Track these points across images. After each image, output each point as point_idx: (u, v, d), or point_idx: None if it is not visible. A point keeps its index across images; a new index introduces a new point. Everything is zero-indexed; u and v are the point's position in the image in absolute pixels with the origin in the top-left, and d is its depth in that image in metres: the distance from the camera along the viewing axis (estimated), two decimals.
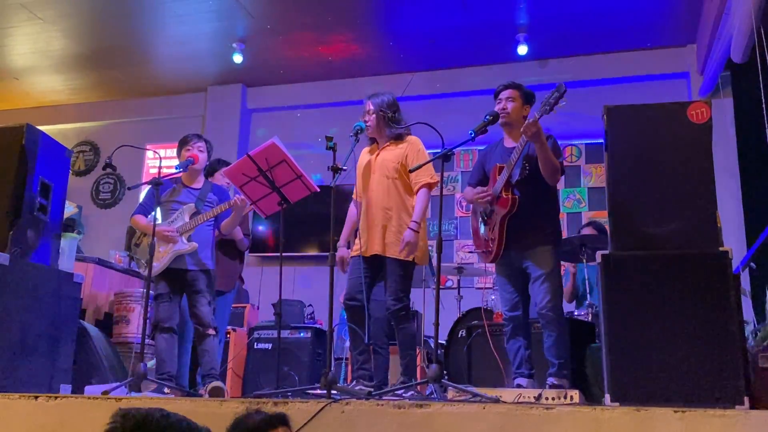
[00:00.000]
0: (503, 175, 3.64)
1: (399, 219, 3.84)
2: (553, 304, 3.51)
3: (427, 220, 7.66)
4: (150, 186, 4.23)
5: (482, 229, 3.82)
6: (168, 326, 4.24)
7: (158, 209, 4.40)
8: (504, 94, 3.79)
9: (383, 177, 3.91)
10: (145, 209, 4.45)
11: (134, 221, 4.45)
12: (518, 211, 3.60)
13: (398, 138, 3.98)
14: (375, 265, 3.87)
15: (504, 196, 3.63)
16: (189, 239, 4.28)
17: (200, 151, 4.45)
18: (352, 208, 4.10)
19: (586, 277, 5.00)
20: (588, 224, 5.66)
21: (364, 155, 4.09)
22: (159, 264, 4.23)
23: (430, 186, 3.86)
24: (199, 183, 4.49)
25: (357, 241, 3.92)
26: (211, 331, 4.23)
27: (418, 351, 5.30)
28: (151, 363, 4.77)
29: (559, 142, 3.75)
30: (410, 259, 3.77)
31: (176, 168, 4.44)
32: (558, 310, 3.54)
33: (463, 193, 3.92)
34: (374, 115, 3.97)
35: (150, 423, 1.58)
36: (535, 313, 3.69)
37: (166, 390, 4.05)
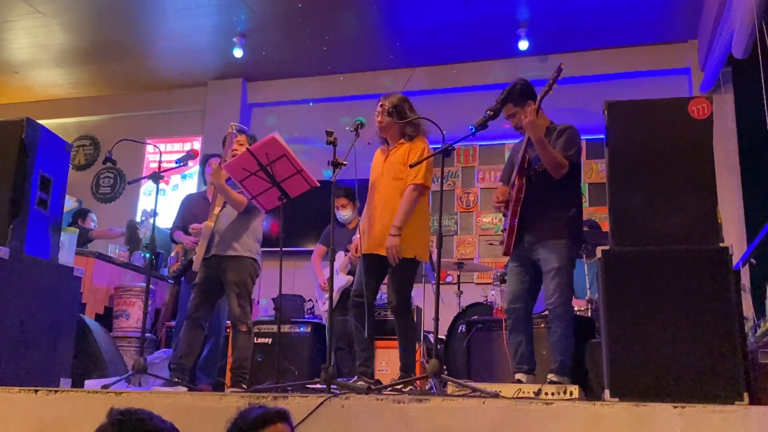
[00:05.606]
0: (517, 163, 3.65)
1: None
2: (561, 301, 3.49)
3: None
4: (159, 181, 4.26)
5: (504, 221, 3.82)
6: (194, 317, 4.21)
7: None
8: (504, 114, 3.75)
9: (391, 179, 3.91)
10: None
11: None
12: (532, 201, 3.59)
13: (410, 139, 3.96)
14: (380, 263, 3.87)
15: (516, 183, 3.63)
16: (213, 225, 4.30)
17: (240, 144, 4.40)
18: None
19: (586, 273, 5.00)
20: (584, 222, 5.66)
21: (378, 156, 4.10)
22: (196, 255, 4.30)
23: (418, 188, 3.80)
24: None
25: (363, 238, 3.92)
26: (243, 327, 4.15)
27: (418, 346, 5.31)
28: (151, 356, 4.78)
29: None
30: (411, 256, 3.77)
31: (176, 162, 4.43)
32: (566, 306, 3.52)
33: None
34: (385, 115, 3.96)
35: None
36: (539, 309, 3.68)
37: (175, 380, 4.04)
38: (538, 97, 3.58)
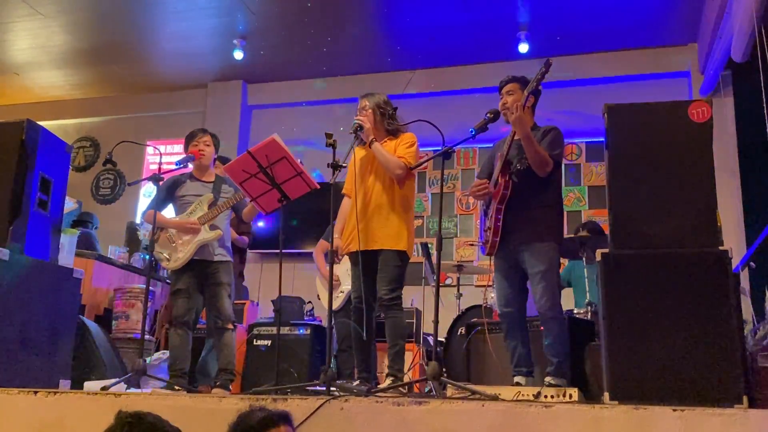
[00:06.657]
0: (498, 162, 3.65)
1: (393, 213, 3.83)
2: (551, 303, 3.48)
3: (427, 218, 7.75)
4: (159, 183, 4.26)
5: (485, 220, 3.81)
6: (184, 321, 4.25)
7: (171, 205, 4.48)
8: (504, 89, 3.79)
9: (381, 173, 3.90)
10: (158, 205, 4.45)
11: (147, 216, 4.40)
12: (516, 202, 3.58)
13: (395, 134, 3.97)
14: (373, 260, 3.85)
15: (499, 181, 3.62)
16: (212, 228, 4.30)
17: (206, 145, 4.46)
18: (346, 202, 4.09)
19: (585, 275, 4.99)
20: (584, 225, 5.65)
21: (359, 152, 4.04)
22: (183, 254, 4.26)
23: (405, 169, 3.80)
24: (211, 176, 4.51)
25: (354, 237, 3.88)
26: (231, 326, 4.27)
27: (416, 348, 5.31)
28: (150, 358, 4.77)
29: None
30: (404, 249, 3.77)
31: (176, 164, 4.43)
32: (556, 308, 3.52)
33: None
34: (371, 111, 3.95)
35: None
36: (534, 311, 3.67)
37: (176, 388, 4.04)
38: (525, 91, 3.58)
